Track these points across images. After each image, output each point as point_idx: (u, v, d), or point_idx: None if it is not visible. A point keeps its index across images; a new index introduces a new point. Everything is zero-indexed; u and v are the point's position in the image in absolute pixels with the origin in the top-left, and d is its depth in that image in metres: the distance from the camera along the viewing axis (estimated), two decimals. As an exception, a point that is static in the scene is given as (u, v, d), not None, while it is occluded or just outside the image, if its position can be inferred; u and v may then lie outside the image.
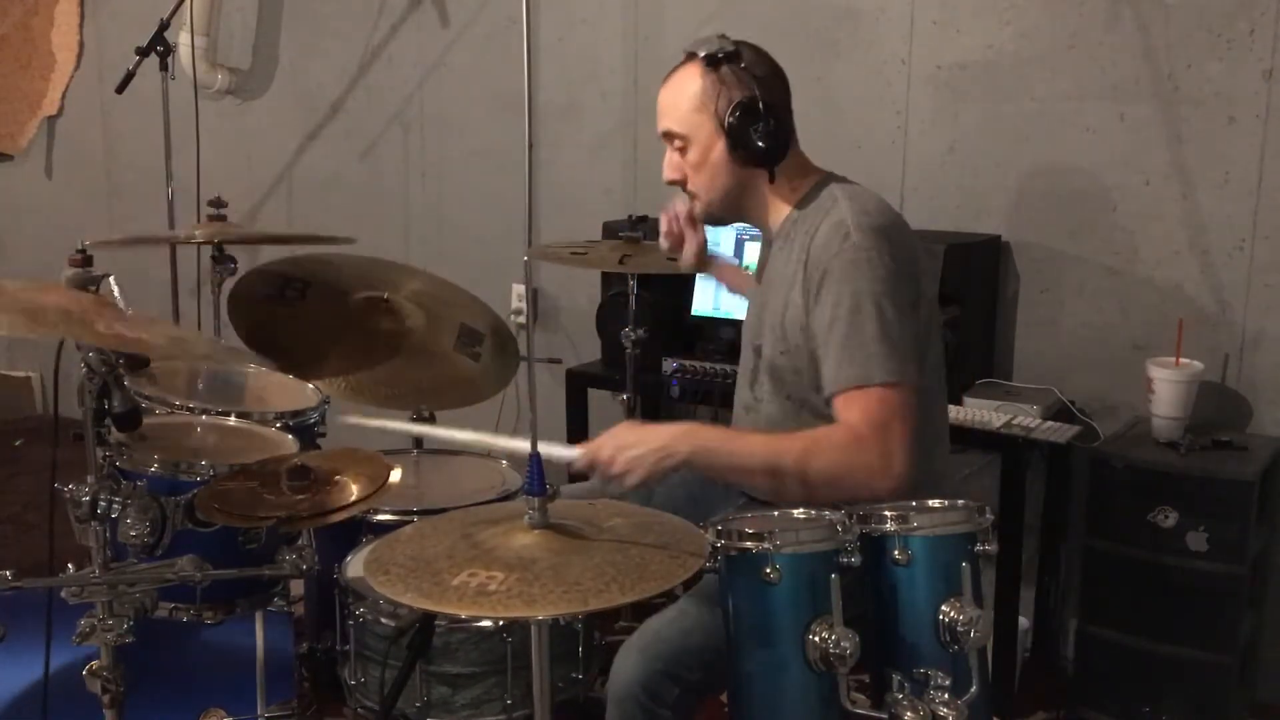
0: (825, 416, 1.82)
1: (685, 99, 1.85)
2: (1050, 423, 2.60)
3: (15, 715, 2.00)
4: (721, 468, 1.76)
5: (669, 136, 1.90)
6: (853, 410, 1.70)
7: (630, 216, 2.91)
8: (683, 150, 1.89)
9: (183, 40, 3.87)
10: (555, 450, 1.71)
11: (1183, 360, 2.51)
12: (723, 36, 1.85)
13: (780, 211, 1.91)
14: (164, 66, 3.52)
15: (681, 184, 1.92)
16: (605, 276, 3.11)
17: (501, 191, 3.59)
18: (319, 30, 4.00)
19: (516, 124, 3.36)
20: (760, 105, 1.80)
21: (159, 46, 3.48)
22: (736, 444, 1.76)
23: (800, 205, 1.88)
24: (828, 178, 1.90)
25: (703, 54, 1.83)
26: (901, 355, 1.70)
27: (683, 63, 1.88)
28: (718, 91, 1.82)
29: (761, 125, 1.80)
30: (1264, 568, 2.55)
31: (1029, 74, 2.79)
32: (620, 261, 2.67)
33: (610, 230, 2.99)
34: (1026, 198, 2.83)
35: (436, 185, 3.83)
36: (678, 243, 2.22)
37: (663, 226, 2.20)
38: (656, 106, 1.90)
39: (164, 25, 3.49)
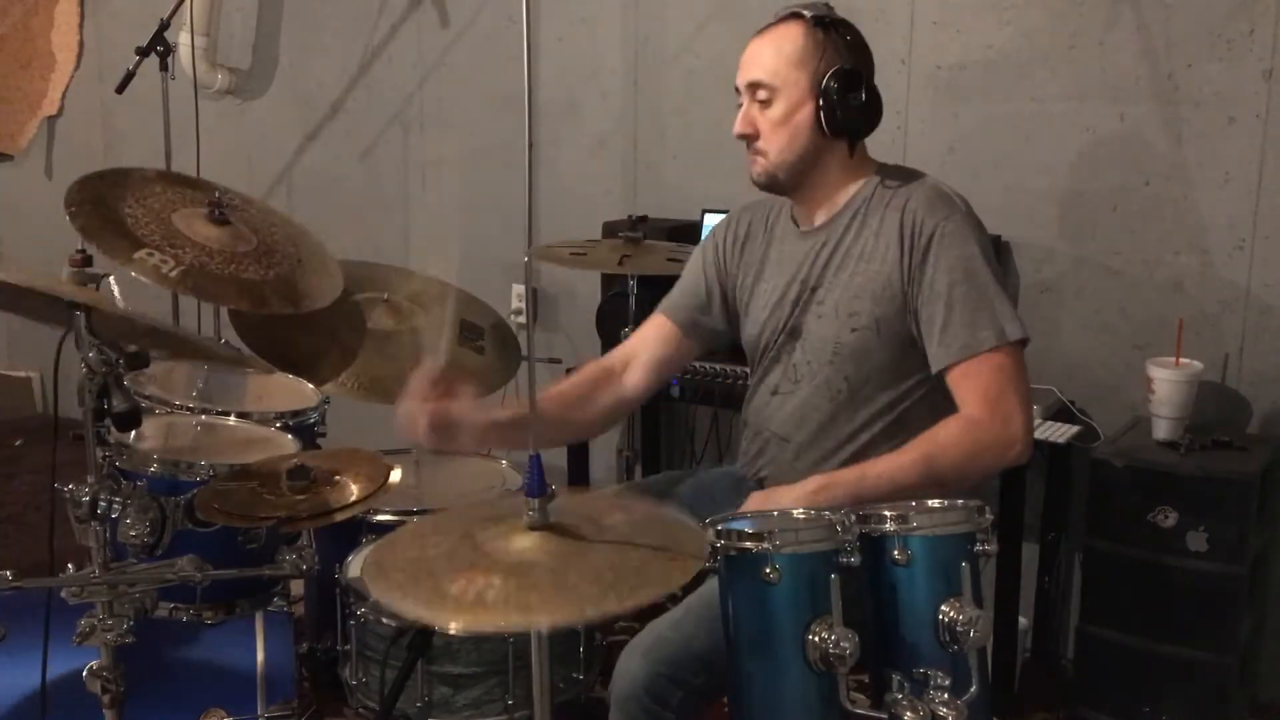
0: (870, 398, 1.84)
1: (784, 53, 1.83)
2: (1050, 423, 2.60)
3: (15, 715, 2.00)
4: (867, 498, 1.72)
5: (754, 88, 1.86)
6: (969, 385, 1.74)
7: (630, 216, 2.91)
8: (765, 104, 1.85)
9: (183, 40, 3.87)
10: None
11: (1183, 360, 2.51)
12: (828, 4, 1.86)
13: (844, 189, 1.91)
14: (164, 66, 3.52)
15: (751, 138, 1.88)
16: (605, 276, 3.11)
17: (501, 191, 3.59)
18: (319, 30, 4.00)
19: (516, 124, 3.35)
20: (861, 76, 1.83)
21: (159, 46, 3.48)
22: (866, 486, 1.72)
23: (885, 180, 1.89)
24: (884, 164, 1.94)
25: (810, 15, 1.84)
26: (1010, 312, 1.77)
27: (783, 19, 1.87)
28: (821, 53, 1.82)
29: (859, 96, 1.82)
30: (1264, 568, 2.55)
31: (1029, 74, 2.79)
32: (620, 262, 2.67)
33: (610, 230, 2.99)
34: (1026, 198, 2.83)
35: (436, 185, 3.83)
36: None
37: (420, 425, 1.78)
38: (741, 59, 1.88)
39: (164, 25, 3.49)
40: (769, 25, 1.88)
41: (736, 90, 1.90)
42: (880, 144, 2.98)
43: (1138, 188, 2.70)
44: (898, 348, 1.84)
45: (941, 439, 1.74)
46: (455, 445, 1.83)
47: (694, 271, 2.12)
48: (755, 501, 1.73)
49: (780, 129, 1.85)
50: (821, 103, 1.82)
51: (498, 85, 3.59)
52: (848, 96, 1.82)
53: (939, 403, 1.83)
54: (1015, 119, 2.82)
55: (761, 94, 1.85)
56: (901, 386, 1.86)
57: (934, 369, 1.79)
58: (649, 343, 2.08)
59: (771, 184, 1.91)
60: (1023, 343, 1.77)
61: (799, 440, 1.92)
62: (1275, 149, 2.54)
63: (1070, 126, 2.75)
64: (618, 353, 2.10)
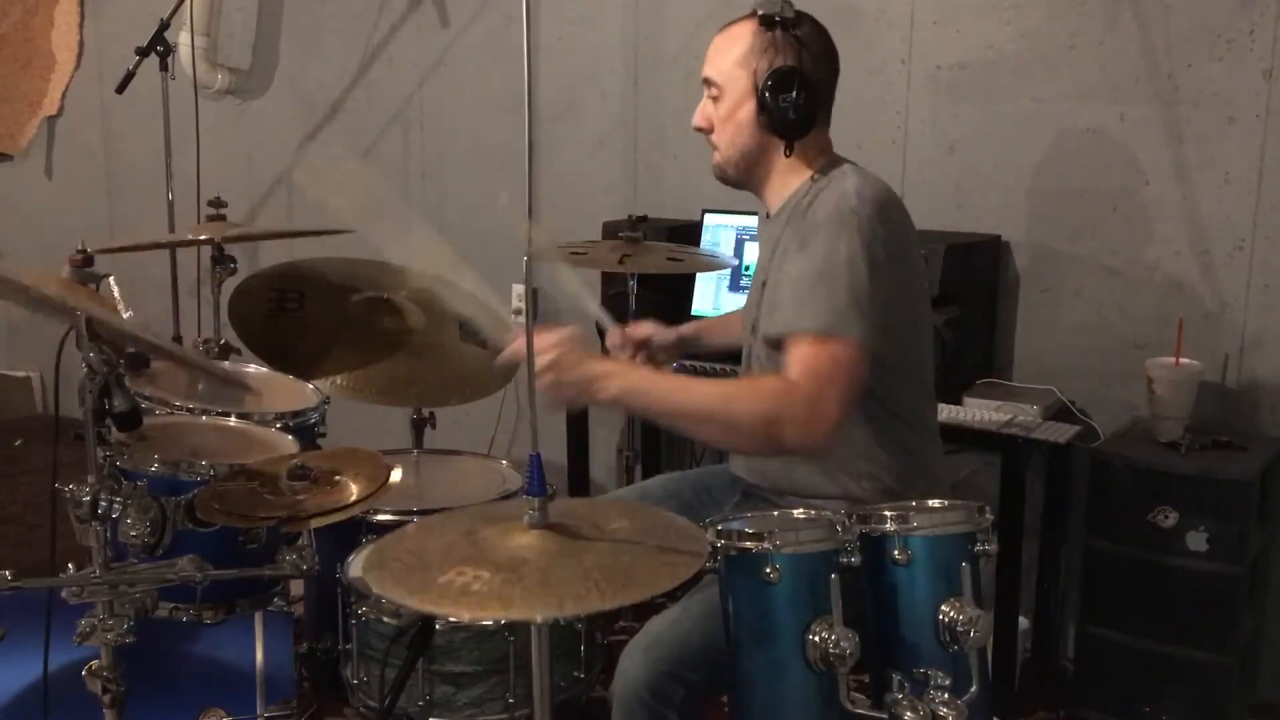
0: None
1: (732, 51, 1.86)
2: (1050, 423, 2.60)
3: (15, 715, 2.00)
4: (652, 409, 1.76)
5: (707, 83, 1.90)
6: (798, 358, 1.70)
7: (630, 216, 2.91)
8: (716, 100, 1.89)
9: (183, 40, 3.87)
10: (502, 317, 1.78)
11: (1183, 360, 2.51)
12: (787, 2, 1.85)
13: (788, 186, 1.91)
14: (164, 66, 3.52)
15: (706, 132, 1.93)
16: (605, 276, 3.10)
17: (501, 191, 3.59)
18: (319, 30, 4.00)
19: (516, 124, 3.36)
20: (797, 77, 1.80)
21: (159, 46, 3.48)
22: (667, 384, 1.77)
23: (815, 176, 1.88)
24: (844, 160, 1.91)
25: (761, 12, 1.84)
26: (865, 317, 1.69)
27: (743, 17, 1.88)
28: (763, 53, 1.83)
29: (791, 96, 1.80)
30: (1264, 568, 2.55)
31: (1029, 74, 2.79)
32: (620, 261, 2.66)
33: (610, 230, 2.99)
34: (1026, 198, 2.83)
35: (436, 185, 3.83)
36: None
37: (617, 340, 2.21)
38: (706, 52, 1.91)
39: (164, 25, 3.49)
40: (729, 22, 1.91)
41: None
42: (880, 144, 3.01)
43: (1138, 188, 2.70)
44: None
45: (754, 386, 1.77)
46: (656, 363, 2.19)
47: None
48: (567, 343, 1.71)
49: (726, 125, 1.89)
50: (757, 102, 1.84)
51: (498, 85, 3.59)
52: (779, 97, 1.81)
53: (890, 402, 1.83)
54: (1015, 119, 2.82)
55: (713, 90, 1.90)
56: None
57: (768, 333, 1.78)
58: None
59: (724, 178, 1.96)
60: (865, 351, 1.70)
61: None
62: (1275, 149, 2.54)
63: (1070, 126, 2.75)
64: None
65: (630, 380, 1.74)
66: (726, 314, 2.43)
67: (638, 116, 3.39)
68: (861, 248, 1.72)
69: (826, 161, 1.89)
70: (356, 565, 2.32)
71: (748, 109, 1.85)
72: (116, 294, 2.39)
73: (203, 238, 2.90)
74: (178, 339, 3.39)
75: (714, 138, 1.92)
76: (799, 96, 1.80)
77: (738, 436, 1.72)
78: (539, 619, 1.32)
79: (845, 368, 1.68)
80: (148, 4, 3.78)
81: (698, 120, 1.93)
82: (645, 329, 2.22)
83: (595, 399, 1.72)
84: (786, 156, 1.86)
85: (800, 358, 1.69)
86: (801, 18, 1.85)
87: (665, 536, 1.43)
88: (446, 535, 1.44)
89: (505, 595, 1.28)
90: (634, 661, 1.69)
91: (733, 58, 1.86)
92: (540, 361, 1.68)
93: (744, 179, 1.94)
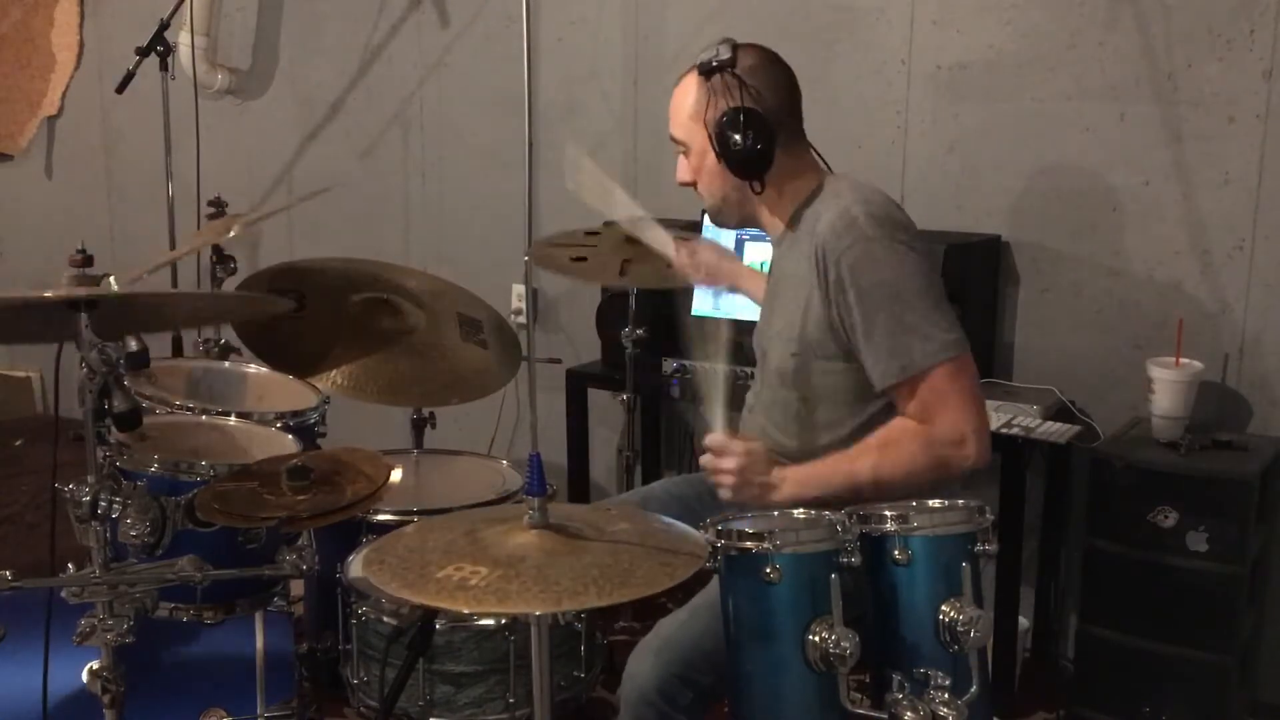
0: (832, 423, 1.83)
1: (685, 108, 1.90)
2: (1050, 423, 2.60)
3: (15, 715, 2.00)
4: (830, 497, 1.77)
5: (675, 142, 1.94)
6: (907, 401, 1.75)
7: (630, 216, 2.90)
8: (685, 155, 1.94)
9: (183, 40, 3.86)
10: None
11: (1183, 360, 2.51)
12: (724, 42, 1.85)
13: (780, 216, 1.92)
14: (164, 66, 3.52)
15: (693, 186, 1.96)
16: (605, 276, 3.10)
17: (501, 191, 3.59)
18: (319, 30, 4.00)
19: (516, 124, 3.36)
20: (741, 118, 1.80)
21: (159, 46, 3.48)
22: (832, 476, 1.78)
23: (805, 205, 1.88)
24: (827, 179, 1.91)
25: (699, 63, 1.86)
26: (938, 331, 1.74)
27: (688, 70, 1.91)
28: (708, 102, 1.85)
29: (738, 139, 1.81)
30: (1264, 568, 2.55)
31: (1029, 74, 2.79)
32: (620, 272, 2.66)
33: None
34: (1026, 198, 2.83)
35: (436, 185, 3.83)
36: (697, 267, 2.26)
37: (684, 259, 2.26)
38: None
39: (164, 25, 3.49)
40: (680, 76, 1.94)
41: None
42: (880, 144, 3.01)
43: (1138, 188, 2.70)
44: (844, 369, 1.83)
45: (888, 444, 1.76)
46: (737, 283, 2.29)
47: None
48: (757, 454, 1.76)
49: (701, 178, 1.93)
50: (717, 151, 1.85)
51: (498, 85, 3.59)
52: (730, 141, 1.82)
53: (888, 412, 1.84)
54: (1015, 119, 2.82)
55: (680, 148, 1.94)
56: (859, 404, 1.85)
57: (877, 389, 1.80)
58: None
59: (720, 224, 2.02)
60: (964, 355, 1.76)
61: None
62: (1275, 149, 2.54)
63: (1070, 126, 2.75)
64: None
65: (799, 484, 1.76)
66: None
67: (638, 116, 3.39)
68: (898, 270, 1.75)
69: (810, 187, 1.90)
70: (356, 565, 2.32)
71: (711, 159, 1.88)
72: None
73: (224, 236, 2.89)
74: (178, 339, 3.39)
75: (699, 190, 1.95)
76: (746, 135, 1.81)
77: (901, 490, 1.74)
78: (536, 614, 1.33)
79: (950, 383, 1.74)
80: (148, 4, 3.78)
81: (680, 177, 1.97)
82: (707, 254, 2.28)
83: (768, 502, 1.75)
84: (757, 194, 1.88)
85: (912, 399, 1.75)
86: (739, 53, 1.84)
87: (665, 539, 1.43)
88: (446, 534, 1.45)
89: (502, 590, 1.28)
90: (643, 664, 1.69)
91: (686, 113, 1.90)
92: (726, 467, 1.74)
93: (738, 221, 1.99)
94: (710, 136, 1.85)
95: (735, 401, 2.06)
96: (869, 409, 1.83)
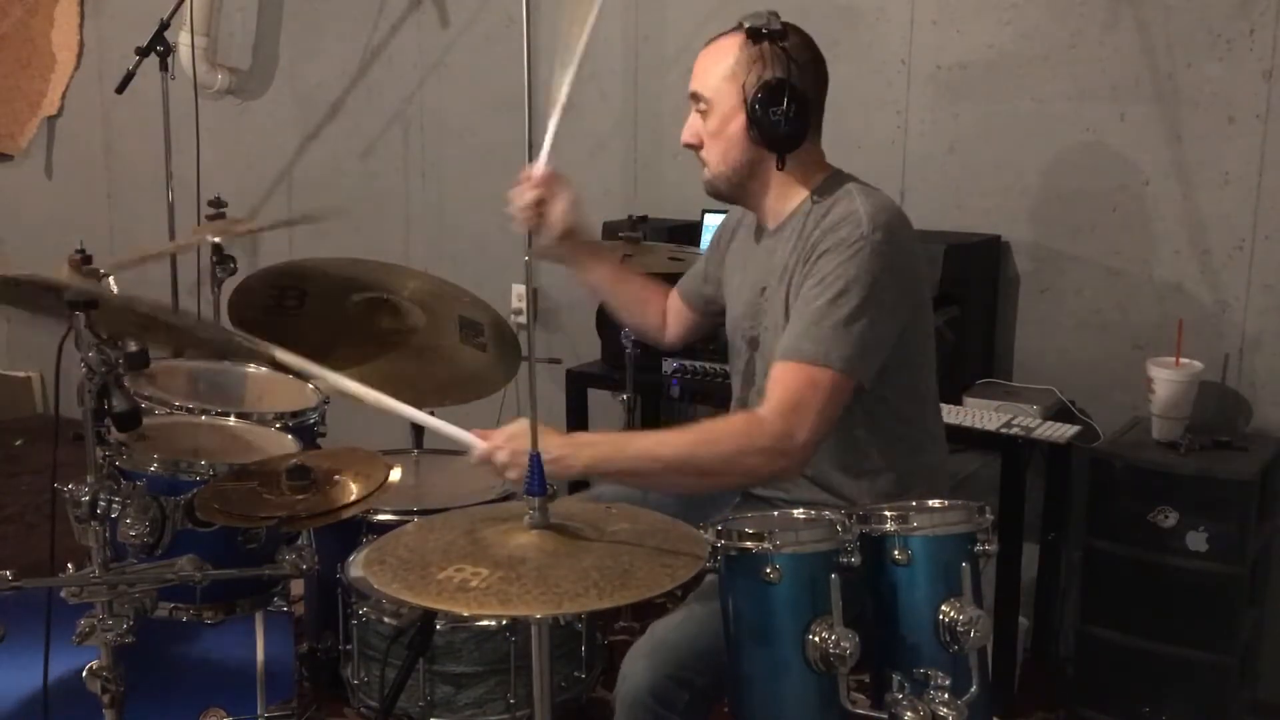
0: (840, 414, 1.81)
1: (720, 66, 1.84)
2: (1050, 423, 2.60)
3: (15, 715, 2.00)
4: (624, 473, 1.76)
5: (695, 98, 1.88)
6: (777, 381, 1.72)
7: (630, 216, 2.90)
8: (704, 115, 1.87)
9: (183, 40, 3.87)
10: (453, 432, 1.74)
11: (1183, 360, 2.51)
12: (774, 14, 1.84)
13: (786, 200, 1.90)
14: (164, 66, 3.52)
15: (695, 148, 1.91)
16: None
17: (501, 191, 3.58)
18: (319, 30, 4.00)
19: (516, 124, 3.35)
20: (787, 90, 1.79)
21: (159, 46, 3.48)
22: (633, 447, 1.74)
23: (816, 195, 1.87)
24: (843, 175, 1.90)
25: (747, 26, 1.83)
26: (860, 351, 1.71)
27: (729, 30, 1.87)
28: (751, 66, 1.81)
29: (782, 110, 1.79)
30: (1264, 568, 2.55)
31: (1029, 74, 2.79)
32: (621, 262, 2.66)
33: (610, 230, 2.99)
34: (1026, 198, 2.83)
35: (436, 185, 3.83)
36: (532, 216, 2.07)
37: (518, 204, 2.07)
38: (693, 67, 1.90)
39: (164, 25, 3.49)
40: (715, 36, 1.89)
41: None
42: (880, 144, 3.01)
43: (1138, 188, 2.70)
44: None
45: (718, 428, 1.75)
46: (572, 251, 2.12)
47: (703, 254, 2.23)
48: (518, 433, 1.70)
49: (716, 141, 1.87)
50: (747, 117, 1.82)
51: (498, 85, 3.59)
52: (770, 110, 1.80)
53: (894, 410, 1.84)
54: (1015, 119, 2.82)
55: (700, 105, 1.88)
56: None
57: (775, 359, 1.78)
58: (673, 311, 2.24)
59: (715, 194, 1.95)
60: (853, 383, 1.72)
61: None
62: (1275, 149, 2.54)
63: (1070, 126, 2.75)
64: (671, 299, 2.25)
65: (595, 452, 1.71)
66: (630, 270, 2.31)
67: (638, 116, 3.39)
68: (867, 276, 1.72)
69: (826, 178, 1.88)
70: (356, 565, 2.32)
71: (737, 123, 1.84)
72: (116, 293, 2.39)
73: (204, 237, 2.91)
74: (178, 339, 3.39)
75: (704, 153, 1.90)
76: (789, 109, 1.79)
77: (713, 480, 1.74)
78: (537, 616, 1.32)
79: (826, 397, 1.70)
80: (148, 4, 3.78)
81: (686, 136, 1.91)
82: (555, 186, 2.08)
83: (569, 474, 1.71)
84: (779, 170, 1.86)
85: (778, 382, 1.72)
86: (789, 30, 1.84)
87: (665, 539, 1.43)
88: (446, 535, 1.44)
89: (503, 593, 1.28)
90: (638, 665, 1.68)
91: (720, 72, 1.84)
92: (501, 460, 1.69)
93: (736, 194, 1.93)
94: (745, 100, 1.81)
95: (727, 402, 2.06)
96: (871, 402, 1.82)
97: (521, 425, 1.69)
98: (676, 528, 1.50)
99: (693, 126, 1.90)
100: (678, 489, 1.82)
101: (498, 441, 1.71)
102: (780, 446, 1.68)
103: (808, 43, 1.87)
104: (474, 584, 1.29)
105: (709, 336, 2.99)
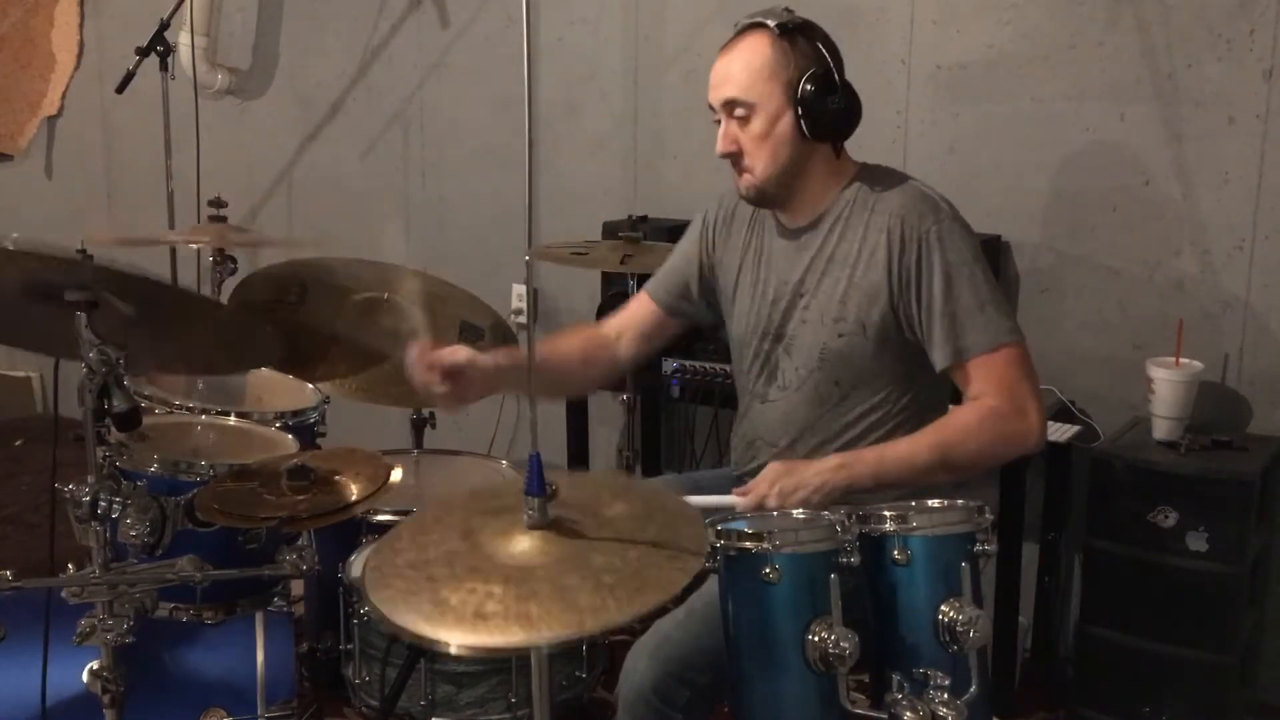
0: (870, 407, 1.86)
1: (754, 67, 1.82)
2: (1050, 423, 2.60)
3: (15, 715, 2.00)
4: (885, 484, 1.77)
5: (731, 105, 1.84)
6: (982, 378, 1.77)
7: (630, 216, 2.91)
8: (744, 120, 1.84)
9: (183, 40, 3.86)
10: (716, 500, 1.72)
11: (1183, 360, 2.51)
12: (788, 9, 1.84)
13: (825, 193, 1.90)
14: (164, 66, 3.52)
15: (736, 157, 1.87)
16: (605, 276, 3.10)
17: (501, 191, 3.59)
18: (319, 30, 4.00)
19: (516, 124, 3.35)
20: (835, 77, 1.82)
21: (159, 46, 3.48)
22: (886, 467, 1.76)
23: (857, 182, 1.88)
24: (868, 164, 1.93)
25: (774, 23, 1.82)
26: (1007, 312, 1.81)
27: (745, 31, 1.85)
28: (790, 60, 1.81)
29: (835, 97, 1.81)
30: (1264, 568, 2.55)
31: (1029, 74, 2.79)
32: (621, 261, 2.67)
33: (610, 230, 2.99)
34: (1026, 198, 2.83)
35: (436, 185, 3.83)
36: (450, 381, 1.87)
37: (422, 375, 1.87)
38: (711, 77, 1.87)
39: (164, 25, 3.49)
40: (733, 39, 1.87)
41: (711, 108, 1.89)
42: (880, 144, 3.01)
43: (1138, 188, 2.70)
44: (886, 351, 1.85)
45: (959, 425, 1.77)
46: (469, 391, 1.88)
47: (681, 252, 2.13)
48: (773, 470, 1.73)
49: (763, 143, 1.84)
50: (800, 110, 1.81)
51: (498, 85, 3.59)
52: (825, 99, 1.81)
53: (925, 402, 1.87)
54: (1015, 119, 2.82)
55: (739, 111, 1.84)
56: (888, 388, 1.87)
57: (939, 367, 1.80)
58: (635, 319, 2.13)
59: (761, 199, 1.91)
60: (1024, 339, 1.81)
61: (785, 443, 1.93)
62: (1275, 149, 2.54)
63: (1070, 126, 2.75)
64: (612, 322, 2.14)
65: (853, 471, 1.74)
66: (547, 348, 2.10)
67: (638, 116, 3.39)
68: (972, 248, 1.81)
69: (856, 166, 1.92)
70: (357, 565, 2.32)
71: (786, 120, 1.82)
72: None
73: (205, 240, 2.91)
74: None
75: (747, 160, 1.86)
76: (845, 95, 1.83)
77: (968, 471, 1.78)
78: (561, 640, 1.28)
79: (1021, 365, 1.78)
80: (148, 4, 3.78)
81: (724, 145, 1.86)
82: (460, 354, 1.86)
83: (832, 497, 1.72)
84: (837, 158, 1.88)
85: (981, 378, 1.78)
86: (810, 22, 1.85)
87: (664, 522, 1.40)
88: (442, 542, 1.40)
89: (524, 614, 1.24)
90: (640, 663, 1.68)
91: (757, 73, 1.81)
92: (772, 506, 1.70)
93: (783, 195, 1.90)
94: (793, 94, 1.80)
95: (727, 402, 2.06)
96: (890, 388, 1.86)
97: (770, 469, 1.74)
98: (669, 503, 1.47)
99: (730, 135, 1.86)
100: (942, 483, 1.82)
101: (761, 490, 1.72)
102: (1022, 426, 1.76)
103: (824, 34, 1.88)
104: (490, 607, 1.25)
105: (710, 337, 3.01)
